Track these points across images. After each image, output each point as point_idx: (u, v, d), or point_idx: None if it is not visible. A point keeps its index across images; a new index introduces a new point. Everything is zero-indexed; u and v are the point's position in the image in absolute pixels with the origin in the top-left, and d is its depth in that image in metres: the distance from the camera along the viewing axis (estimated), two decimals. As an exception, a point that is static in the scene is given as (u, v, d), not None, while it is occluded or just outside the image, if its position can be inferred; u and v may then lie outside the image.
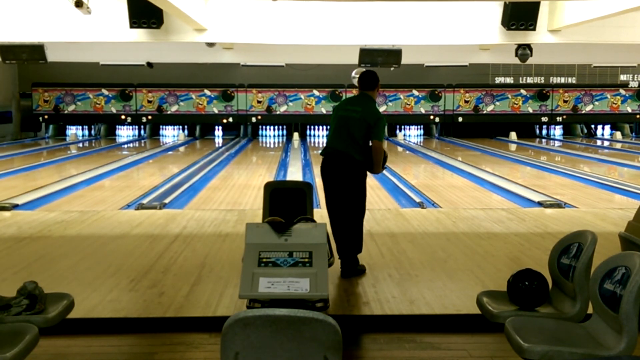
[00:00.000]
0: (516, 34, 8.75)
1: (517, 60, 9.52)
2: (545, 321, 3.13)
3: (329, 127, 5.66)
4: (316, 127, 22.81)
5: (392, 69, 10.72)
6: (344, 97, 22.11)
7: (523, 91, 22.49)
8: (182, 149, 19.41)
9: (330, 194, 5.21)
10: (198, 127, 22.68)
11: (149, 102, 22.03)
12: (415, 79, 21.70)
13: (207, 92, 22.03)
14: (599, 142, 21.44)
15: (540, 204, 8.59)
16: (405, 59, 9.79)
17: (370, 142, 5.14)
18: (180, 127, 22.69)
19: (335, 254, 4.94)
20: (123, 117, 22.09)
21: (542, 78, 22.36)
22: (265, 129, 22.90)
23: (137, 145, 20.74)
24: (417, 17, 8.84)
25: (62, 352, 3.84)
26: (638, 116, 22.79)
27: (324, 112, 22.16)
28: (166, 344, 3.92)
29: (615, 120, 23.13)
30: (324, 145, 5.36)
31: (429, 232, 6.77)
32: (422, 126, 23.13)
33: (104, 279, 4.99)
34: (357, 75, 14.84)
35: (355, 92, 22.40)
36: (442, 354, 3.81)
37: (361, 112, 5.16)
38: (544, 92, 22.52)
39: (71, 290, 3.70)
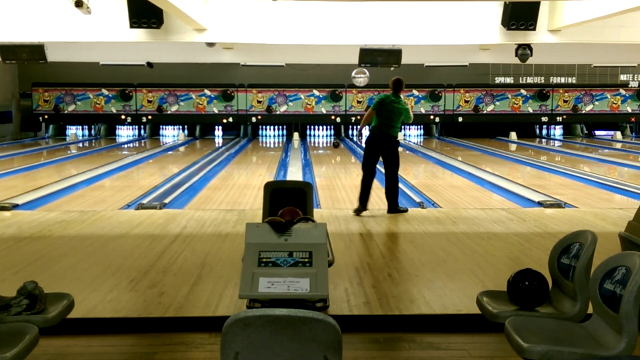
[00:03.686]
0: (516, 34, 8.75)
1: (517, 60, 9.53)
2: (545, 321, 3.12)
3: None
4: (316, 127, 22.84)
5: (392, 69, 10.73)
6: (344, 97, 22.14)
7: (523, 91, 22.50)
8: (182, 149, 19.41)
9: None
10: (198, 127, 22.69)
11: (149, 102, 22.04)
12: (415, 79, 21.69)
13: (207, 92, 22.04)
14: (600, 142, 21.43)
15: (540, 204, 8.59)
16: (405, 59, 9.79)
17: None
18: (180, 127, 22.70)
19: (334, 254, 4.95)
20: (123, 117, 22.10)
21: (542, 78, 22.36)
22: (265, 129, 22.91)
23: (137, 145, 20.75)
24: (417, 17, 8.85)
25: (62, 352, 3.84)
26: (636, 117, 22.81)
27: (324, 112, 22.17)
28: (166, 344, 3.92)
29: (615, 120, 23.14)
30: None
31: (429, 232, 6.77)
32: (422, 126, 23.13)
33: (104, 279, 4.99)
34: (357, 76, 14.89)
35: (355, 91, 22.44)
36: (442, 354, 3.81)
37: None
38: (544, 92, 22.53)
39: (71, 290, 3.70)
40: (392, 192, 7.78)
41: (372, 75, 14.72)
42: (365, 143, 7.96)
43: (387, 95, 7.79)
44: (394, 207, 7.76)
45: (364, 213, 7.66)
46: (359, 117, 22.10)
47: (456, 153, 17.36)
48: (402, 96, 7.96)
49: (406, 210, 7.86)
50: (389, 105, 7.69)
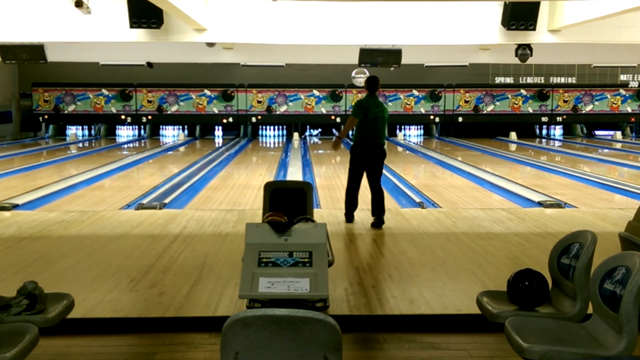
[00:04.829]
0: (516, 34, 8.76)
1: (517, 60, 9.53)
2: (545, 321, 3.13)
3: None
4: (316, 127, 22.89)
5: (392, 69, 10.73)
6: (344, 97, 22.14)
7: (523, 91, 22.50)
8: (182, 149, 19.41)
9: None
10: (198, 127, 22.69)
11: (149, 102, 22.04)
12: (415, 79, 21.71)
13: (207, 92, 22.04)
14: (600, 143, 21.44)
15: (540, 204, 8.59)
16: (405, 59, 9.80)
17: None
18: (180, 127, 22.71)
19: (334, 254, 4.95)
20: (123, 117, 22.10)
21: (542, 78, 22.36)
22: (265, 129, 22.92)
23: (137, 145, 20.75)
24: (417, 17, 8.85)
25: (62, 352, 3.84)
26: (636, 117, 22.83)
27: (324, 112, 22.17)
28: (166, 344, 3.92)
29: (616, 120, 23.15)
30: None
31: (429, 232, 6.77)
32: (422, 126, 23.14)
33: (104, 279, 4.99)
34: (357, 76, 14.87)
35: (355, 91, 22.48)
36: (442, 354, 3.81)
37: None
38: (544, 92, 22.53)
39: (71, 290, 3.70)
40: (381, 205, 7.05)
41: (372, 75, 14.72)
42: (353, 153, 7.10)
43: (366, 100, 7.02)
44: (382, 219, 7.03)
45: (361, 216, 7.60)
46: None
47: (456, 153, 17.36)
48: (378, 96, 7.25)
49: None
50: (372, 113, 6.92)
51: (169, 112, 22.12)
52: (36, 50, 9.06)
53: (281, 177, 12.20)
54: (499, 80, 22.26)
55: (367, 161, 7.05)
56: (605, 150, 18.65)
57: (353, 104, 6.98)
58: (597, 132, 23.44)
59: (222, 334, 2.32)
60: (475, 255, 5.82)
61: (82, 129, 22.90)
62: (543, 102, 22.59)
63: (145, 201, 8.92)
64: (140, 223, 7.28)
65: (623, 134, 22.99)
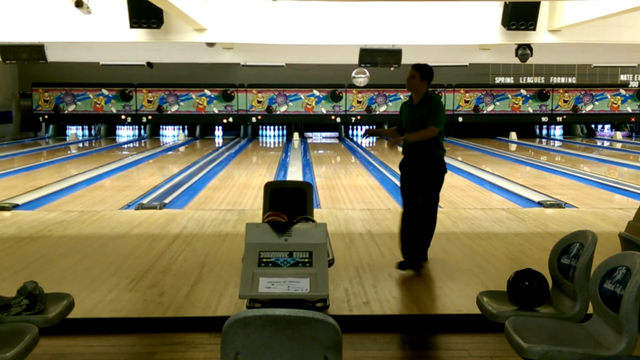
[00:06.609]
0: (516, 34, 8.76)
1: (517, 60, 9.54)
2: (545, 321, 3.13)
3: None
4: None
5: (392, 69, 10.73)
6: (344, 97, 22.13)
7: (523, 91, 22.50)
8: (182, 149, 19.41)
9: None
10: (198, 127, 22.69)
11: (149, 102, 22.04)
12: (416, 79, 21.66)
13: (207, 92, 22.04)
14: (599, 142, 21.44)
15: (540, 204, 8.59)
16: (405, 59, 9.80)
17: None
18: (180, 127, 22.71)
19: (334, 254, 4.94)
20: (123, 117, 22.10)
21: (542, 78, 22.35)
22: (265, 129, 22.92)
23: (137, 145, 20.75)
24: (417, 17, 8.85)
25: (62, 352, 3.84)
26: (636, 117, 22.84)
27: (324, 112, 22.16)
28: (166, 344, 3.92)
29: (616, 120, 23.15)
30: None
31: (429, 232, 6.75)
32: (422, 126, 23.10)
33: (104, 279, 4.99)
34: (357, 76, 14.85)
35: (355, 91, 22.44)
36: (442, 354, 3.81)
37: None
38: (544, 92, 22.52)
39: (71, 290, 3.70)
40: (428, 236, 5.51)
41: (372, 75, 14.74)
42: (441, 173, 5.41)
43: (439, 96, 5.47)
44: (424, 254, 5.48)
45: (361, 216, 7.59)
46: (359, 117, 22.12)
47: (456, 153, 17.34)
48: None
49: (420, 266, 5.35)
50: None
51: (169, 112, 22.12)
52: (36, 50, 9.07)
53: (281, 177, 12.19)
54: (499, 80, 22.24)
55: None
56: (605, 150, 18.64)
57: (437, 106, 5.57)
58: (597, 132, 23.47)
59: (222, 334, 2.31)
60: (475, 255, 5.82)
61: (82, 129, 22.90)
62: (543, 102, 22.59)
63: (145, 201, 8.92)
64: (140, 223, 7.28)
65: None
